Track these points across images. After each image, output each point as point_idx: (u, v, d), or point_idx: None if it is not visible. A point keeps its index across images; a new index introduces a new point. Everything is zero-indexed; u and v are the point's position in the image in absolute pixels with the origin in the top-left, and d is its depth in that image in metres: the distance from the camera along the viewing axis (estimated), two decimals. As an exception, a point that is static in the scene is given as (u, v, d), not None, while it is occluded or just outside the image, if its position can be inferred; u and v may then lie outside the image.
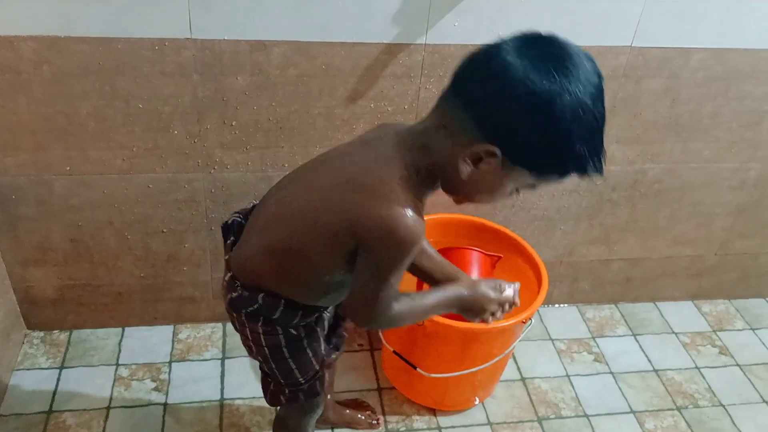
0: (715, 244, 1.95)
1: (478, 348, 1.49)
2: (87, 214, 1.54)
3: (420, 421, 1.62)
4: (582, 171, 0.82)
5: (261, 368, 1.17)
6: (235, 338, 1.73)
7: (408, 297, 0.98)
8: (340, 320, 1.25)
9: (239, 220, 1.10)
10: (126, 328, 1.75)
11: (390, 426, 1.60)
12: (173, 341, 1.74)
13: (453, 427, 1.62)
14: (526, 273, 1.62)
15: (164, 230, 1.60)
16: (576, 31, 1.45)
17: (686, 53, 1.54)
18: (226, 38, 1.35)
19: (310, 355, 1.10)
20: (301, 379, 1.11)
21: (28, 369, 1.63)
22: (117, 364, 1.66)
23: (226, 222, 1.12)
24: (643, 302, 2.05)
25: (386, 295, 0.92)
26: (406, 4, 1.36)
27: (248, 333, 1.06)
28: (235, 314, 1.06)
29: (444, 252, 1.48)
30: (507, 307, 1.06)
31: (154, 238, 1.60)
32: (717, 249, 1.96)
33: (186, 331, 1.77)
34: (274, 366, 1.09)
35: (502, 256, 1.59)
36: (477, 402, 1.67)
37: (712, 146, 1.72)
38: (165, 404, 1.58)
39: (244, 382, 1.65)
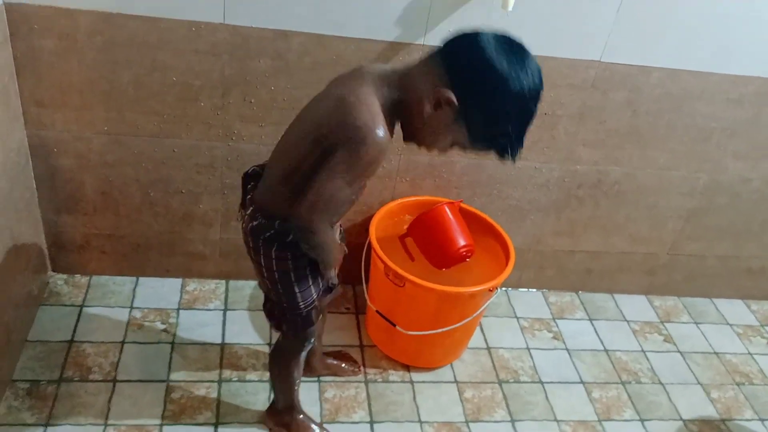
0: (667, 244, 2.19)
1: (451, 309, 1.72)
2: (117, 170, 1.75)
3: (395, 375, 1.84)
4: (503, 149, 1.08)
5: (268, 297, 1.38)
6: (236, 293, 1.97)
7: (330, 235, 1.24)
8: None
9: (258, 170, 1.32)
10: (140, 278, 1.96)
11: (369, 377, 1.82)
12: (182, 292, 1.95)
13: (424, 382, 1.84)
14: (498, 252, 1.85)
15: (183, 191, 1.81)
16: (552, 43, 1.70)
17: (646, 71, 1.79)
18: (254, 26, 1.57)
19: (311, 282, 1.32)
20: (301, 304, 1.33)
21: (52, 305, 1.83)
22: (131, 307, 1.87)
23: (247, 171, 1.34)
24: (602, 293, 2.29)
25: (331, 196, 1.10)
26: (410, 9, 1.59)
27: (262, 259, 1.27)
28: (253, 240, 1.26)
29: (426, 212, 1.74)
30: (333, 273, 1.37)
31: (174, 197, 1.82)
32: (669, 249, 2.21)
33: (193, 284, 1.98)
34: (281, 289, 1.30)
35: (462, 200, 1.86)
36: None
37: (667, 155, 1.97)
38: (173, 343, 1.79)
39: (243, 331, 1.87)
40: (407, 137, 1.17)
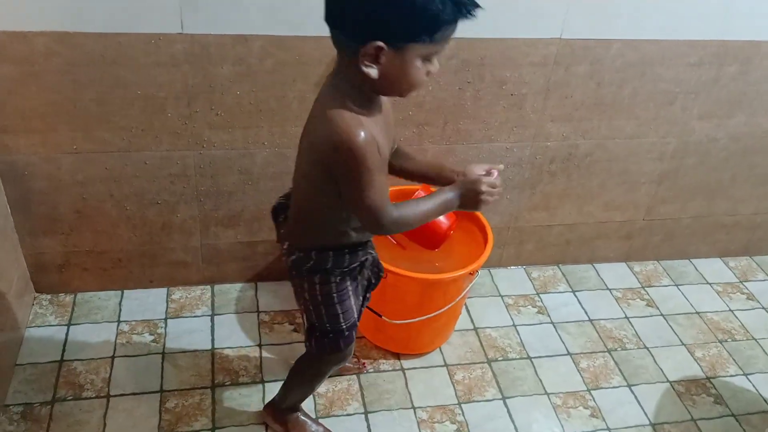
0: (642, 209, 2.23)
1: (434, 295, 1.74)
2: (90, 187, 1.75)
3: (386, 364, 1.87)
4: (454, 11, 1.00)
5: (308, 321, 1.38)
6: (222, 297, 1.98)
7: (405, 204, 1.20)
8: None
9: (283, 201, 1.35)
10: (125, 291, 1.97)
11: (360, 368, 1.85)
12: (167, 301, 1.96)
13: (414, 368, 1.87)
14: (476, 235, 1.88)
15: (159, 201, 1.82)
16: (512, 25, 1.71)
17: (606, 43, 1.81)
18: (212, 33, 1.57)
19: (353, 302, 1.35)
20: (343, 325, 1.35)
21: (39, 326, 1.84)
22: (118, 321, 1.88)
23: (274, 206, 1.37)
24: (582, 264, 2.33)
25: (374, 199, 1.12)
26: (367, 3, 1.59)
27: (306, 287, 1.30)
28: (296, 273, 1.30)
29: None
30: (495, 189, 1.26)
31: (150, 209, 1.82)
32: (644, 214, 2.25)
33: (179, 293, 2.00)
34: (324, 313, 1.33)
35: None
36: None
37: (633, 123, 2.00)
38: (163, 353, 1.80)
39: (231, 334, 1.89)
40: (394, 96, 1.15)
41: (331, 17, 1.05)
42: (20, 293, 1.82)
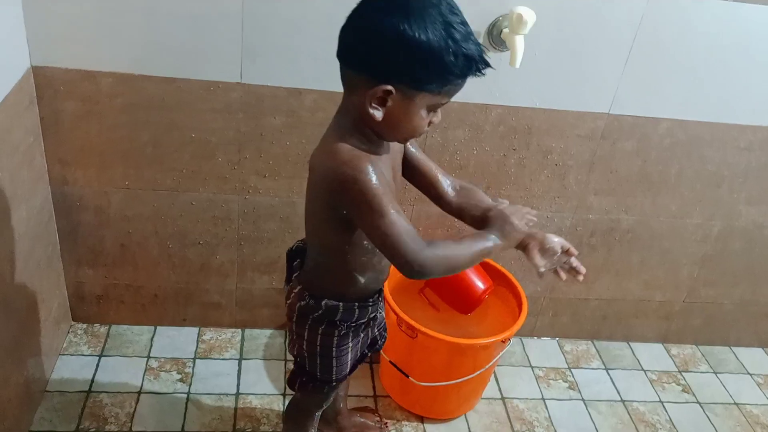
0: (682, 290, 2.18)
1: (464, 360, 1.72)
2: (136, 224, 1.80)
3: (409, 427, 1.84)
4: (465, 66, 1.00)
5: (296, 363, 1.38)
6: (252, 342, 1.99)
7: (441, 243, 1.10)
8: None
9: (301, 245, 1.35)
10: (158, 327, 2.00)
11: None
12: (198, 341, 1.98)
13: (438, 433, 1.83)
14: (510, 301, 1.86)
15: (200, 242, 1.85)
16: (561, 97, 1.73)
17: (655, 121, 1.81)
18: (268, 84, 1.63)
19: (349, 358, 1.33)
20: (333, 377, 1.34)
21: (71, 355, 1.87)
22: (148, 357, 1.90)
23: (291, 248, 1.36)
24: (618, 341, 2.27)
25: (393, 228, 1.03)
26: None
27: (306, 335, 1.29)
28: (300, 319, 1.28)
29: None
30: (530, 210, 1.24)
31: (191, 249, 1.86)
32: (685, 296, 2.19)
33: (210, 334, 2.01)
34: (318, 362, 1.31)
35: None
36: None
37: (678, 203, 1.97)
38: (188, 394, 1.81)
39: (258, 380, 1.88)
40: (392, 141, 1.14)
41: (345, 54, 1.04)
42: (58, 320, 1.86)
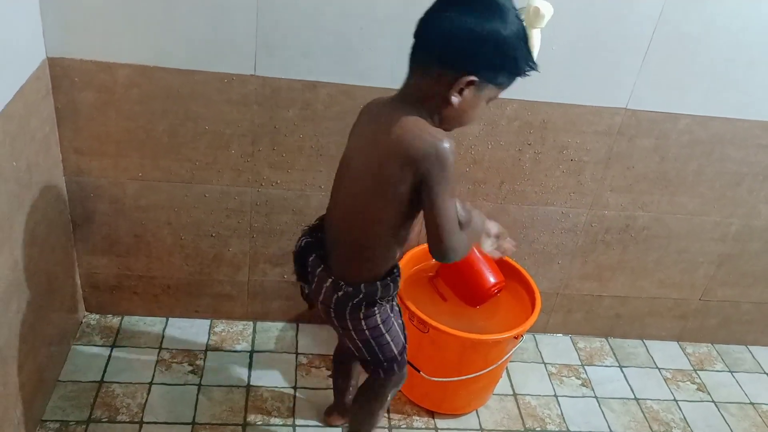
0: (698, 289, 2.15)
1: (475, 356, 1.71)
2: (151, 214, 1.80)
3: (419, 422, 1.83)
4: (526, 66, 1.15)
5: (359, 357, 1.43)
6: (263, 335, 1.99)
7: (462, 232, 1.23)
8: None
9: (310, 241, 1.35)
10: (170, 318, 2.00)
11: (393, 422, 1.81)
12: (209, 333, 1.98)
13: (448, 429, 1.82)
14: (522, 297, 1.84)
15: (213, 234, 1.85)
16: (578, 91, 1.71)
17: (674, 118, 1.79)
18: (284, 77, 1.62)
19: (398, 327, 1.39)
20: (395, 350, 1.38)
21: (84, 345, 1.88)
22: (160, 348, 1.90)
23: (299, 247, 1.36)
24: (632, 339, 2.25)
25: (451, 212, 1.15)
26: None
27: (349, 324, 1.32)
28: (338, 310, 1.30)
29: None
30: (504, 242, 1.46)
31: (204, 240, 1.86)
32: (701, 295, 2.17)
33: (221, 326, 2.02)
34: (374, 345, 1.35)
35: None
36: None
37: (697, 201, 1.95)
38: (199, 385, 1.81)
39: (268, 373, 1.88)
40: (451, 127, 1.20)
41: (431, 45, 1.12)
42: (71, 310, 1.87)
